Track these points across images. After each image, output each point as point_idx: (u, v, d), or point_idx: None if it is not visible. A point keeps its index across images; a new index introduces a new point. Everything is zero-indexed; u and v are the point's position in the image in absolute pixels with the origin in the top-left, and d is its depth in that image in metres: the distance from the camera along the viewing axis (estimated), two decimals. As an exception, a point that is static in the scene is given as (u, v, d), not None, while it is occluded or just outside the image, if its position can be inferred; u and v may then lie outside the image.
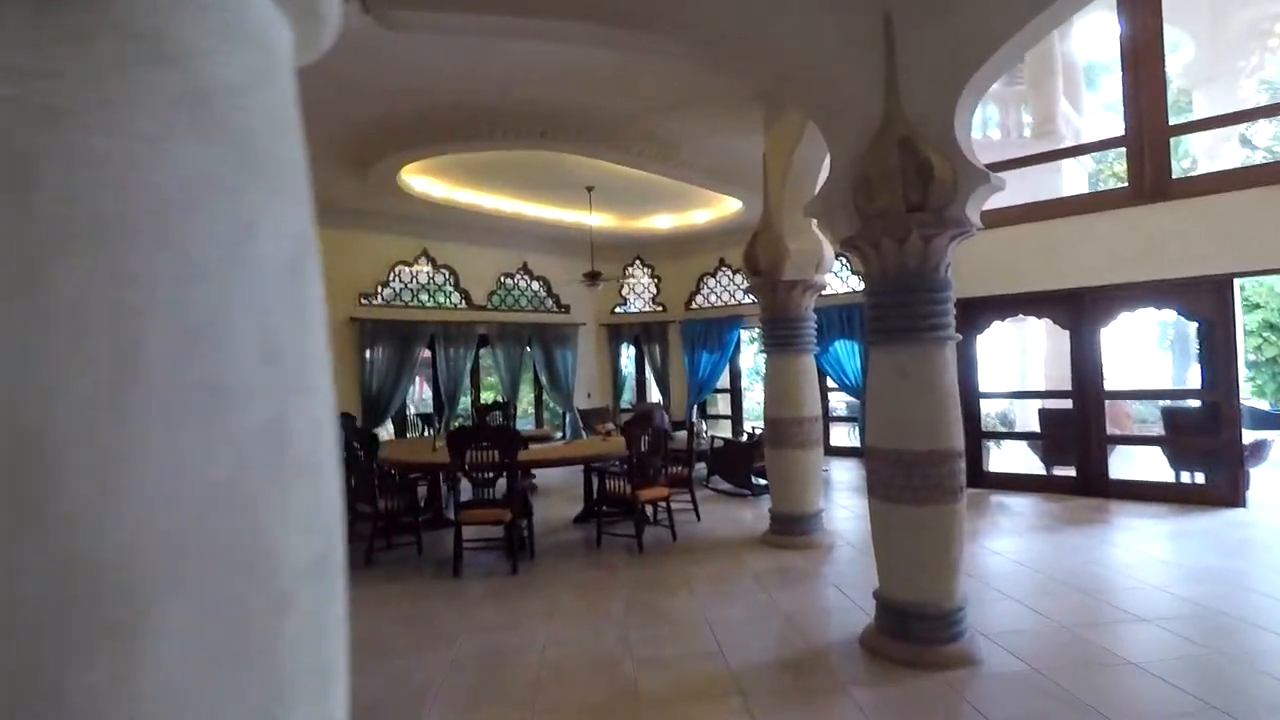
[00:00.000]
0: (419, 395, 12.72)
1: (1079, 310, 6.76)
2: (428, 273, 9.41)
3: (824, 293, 5.87)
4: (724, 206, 9.18)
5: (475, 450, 4.88)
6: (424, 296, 9.37)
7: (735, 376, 11.23)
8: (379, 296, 8.89)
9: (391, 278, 9.04)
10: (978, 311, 7.04)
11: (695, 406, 10.82)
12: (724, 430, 11.47)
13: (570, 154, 6.27)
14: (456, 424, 9.66)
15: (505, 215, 8.81)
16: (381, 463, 5.69)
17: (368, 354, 8.56)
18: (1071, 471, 6.99)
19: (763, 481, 7.82)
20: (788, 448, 5.34)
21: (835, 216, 3.46)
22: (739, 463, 7.50)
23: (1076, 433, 6.88)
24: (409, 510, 5.46)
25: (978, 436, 7.21)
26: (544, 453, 5.89)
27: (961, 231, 3.24)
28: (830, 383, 9.46)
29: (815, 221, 5.32)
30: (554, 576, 4.85)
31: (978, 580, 4.35)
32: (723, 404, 13.90)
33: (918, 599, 3.26)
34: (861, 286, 9.77)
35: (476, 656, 3.56)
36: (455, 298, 9.68)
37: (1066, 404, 7.11)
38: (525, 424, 12.03)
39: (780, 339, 5.41)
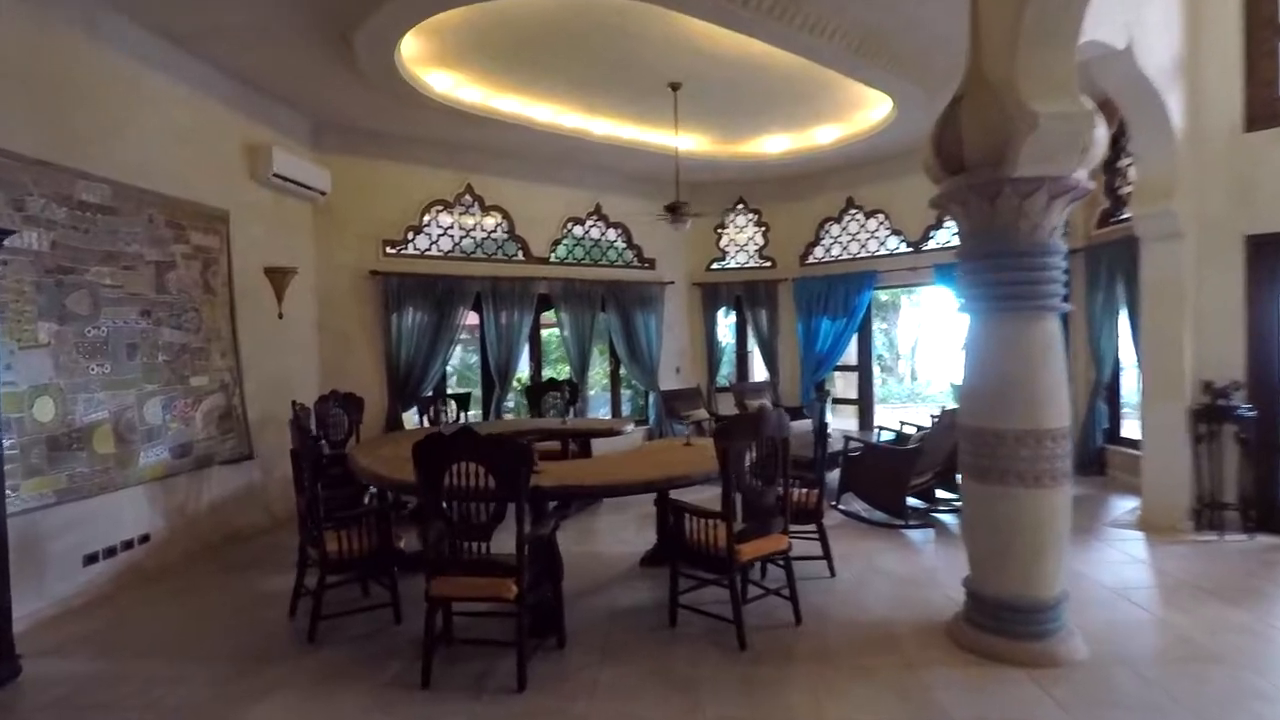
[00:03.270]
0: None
1: None
2: (474, 216, 7.46)
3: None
4: (861, 117, 6.68)
5: (456, 474, 2.83)
6: (468, 245, 7.43)
7: (866, 350, 8.70)
8: (410, 245, 7.02)
9: (427, 222, 7.14)
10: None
11: (814, 389, 8.42)
12: (847, 421, 9.05)
13: (640, 1, 4.04)
14: (508, 408, 7.78)
15: (566, 135, 6.68)
16: (355, 477, 3.82)
17: (395, 318, 6.75)
18: None
19: (919, 504, 5.47)
20: (1009, 483, 2.99)
21: None
22: (889, 477, 5.12)
23: None
24: (379, 551, 3.51)
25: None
26: (577, 472, 3.71)
27: None
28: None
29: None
30: (583, 705, 2.75)
31: None
32: (841, 385, 11.43)
33: None
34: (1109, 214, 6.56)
35: None
36: (510, 247, 7.69)
37: None
38: (601, 408, 10.06)
39: (999, 288, 3.02)
